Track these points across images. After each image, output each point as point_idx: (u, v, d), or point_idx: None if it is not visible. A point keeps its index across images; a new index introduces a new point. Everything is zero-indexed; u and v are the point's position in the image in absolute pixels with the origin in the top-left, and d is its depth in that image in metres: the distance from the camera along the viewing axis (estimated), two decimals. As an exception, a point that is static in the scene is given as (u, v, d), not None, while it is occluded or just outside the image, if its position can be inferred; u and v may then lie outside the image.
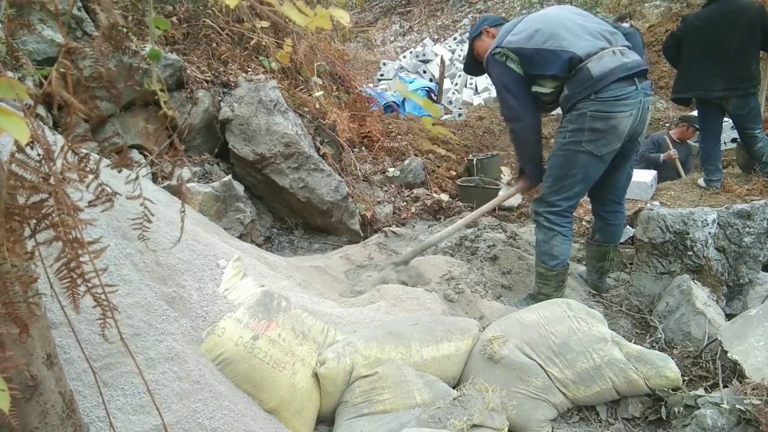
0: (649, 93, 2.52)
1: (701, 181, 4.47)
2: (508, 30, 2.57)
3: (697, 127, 5.39)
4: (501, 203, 3.42)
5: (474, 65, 2.91)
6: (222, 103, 3.58)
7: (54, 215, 0.71)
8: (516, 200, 5.12)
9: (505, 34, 2.56)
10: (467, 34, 10.37)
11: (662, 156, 5.36)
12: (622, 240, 3.54)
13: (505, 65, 2.53)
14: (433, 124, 0.89)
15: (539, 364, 2.12)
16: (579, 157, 2.50)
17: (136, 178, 0.89)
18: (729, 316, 2.66)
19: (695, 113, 6.21)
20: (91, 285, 0.79)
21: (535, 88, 2.56)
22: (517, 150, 2.86)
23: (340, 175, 3.99)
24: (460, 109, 7.60)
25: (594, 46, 2.42)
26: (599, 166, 2.55)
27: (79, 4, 3.08)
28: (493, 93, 8.31)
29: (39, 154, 0.71)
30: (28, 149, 0.73)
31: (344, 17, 0.66)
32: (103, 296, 0.80)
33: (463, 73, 8.65)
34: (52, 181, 0.71)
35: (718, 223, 2.79)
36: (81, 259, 0.76)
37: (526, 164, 2.83)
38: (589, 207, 4.33)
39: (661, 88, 8.11)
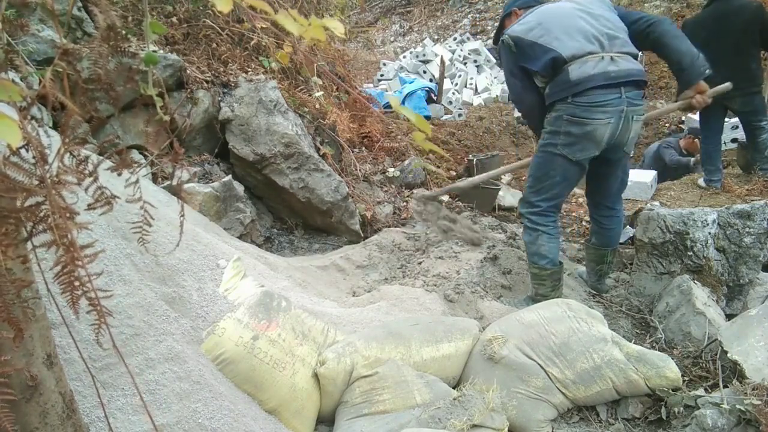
0: (637, 103, 2.47)
1: (701, 181, 4.46)
2: (522, 18, 2.61)
3: None
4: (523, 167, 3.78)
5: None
6: (222, 104, 3.58)
7: (50, 219, 0.71)
8: (516, 200, 5.11)
9: (518, 21, 2.61)
10: (467, 34, 10.38)
11: (692, 160, 5.36)
12: (622, 240, 3.54)
13: (510, 51, 2.58)
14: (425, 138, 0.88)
15: (539, 365, 2.12)
16: (556, 160, 2.54)
17: (136, 181, 0.89)
18: (729, 317, 2.66)
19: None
20: (86, 289, 0.79)
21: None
22: (529, 125, 3.06)
23: (340, 175, 3.99)
24: (460, 109, 7.60)
25: (581, 50, 2.42)
26: (576, 170, 2.57)
27: (79, 4, 3.08)
28: (493, 93, 8.32)
29: (34, 157, 0.71)
30: (23, 152, 0.73)
31: (339, 28, 0.66)
32: (97, 301, 0.80)
33: (463, 73, 8.64)
34: (47, 184, 0.71)
35: (718, 224, 2.79)
36: (77, 262, 0.76)
37: (537, 134, 2.91)
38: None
39: (661, 89, 8.11)
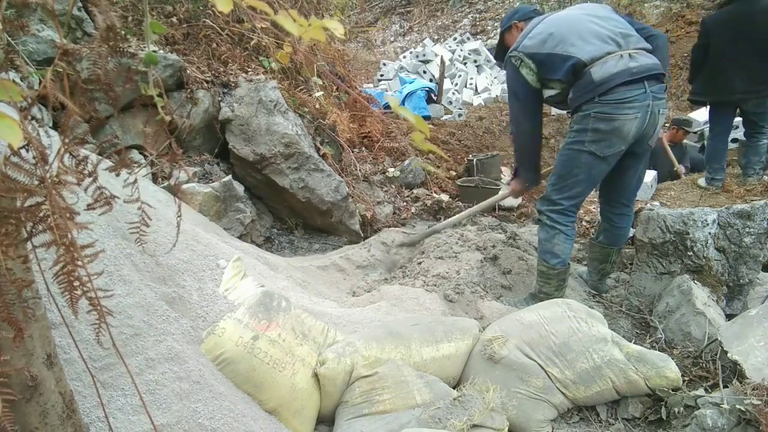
0: (660, 96, 2.50)
1: (702, 181, 4.47)
2: (528, 32, 2.60)
3: (687, 129, 5.48)
4: (498, 202, 3.81)
5: (503, 54, 2.95)
6: (222, 104, 3.58)
7: (50, 219, 0.72)
8: (516, 200, 5.12)
9: (525, 36, 2.59)
10: (467, 34, 10.38)
11: (675, 168, 5.40)
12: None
13: (517, 70, 2.57)
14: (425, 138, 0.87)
15: (539, 365, 2.12)
16: (582, 157, 2.53)
17: (135, 181, 0.89)
18: (729, 317, 2.66)
19: (690, 115, 6.25)
20: (86, 289, 0.79)
21: (545, 91, 2.62)
22: (515, 150, 2.96)
23: (340, 175, 3.99)
24: (460, 109, 7.60)
25: (600, 51, 2.43)
26: (602, 167, 2.57)
27: (79, 4, 3.08)
28: (493, 93, 8.31)
29: (35, 157, 0.72)
30: (23, 152, 0.73)
31: (338, 29, 0.66)
32: (97, 301, 0.80)
33: (463, 73, 8.64)
34: (47, 184, 0.71)
35: (718, 224, 2.79)
36: (77, 262, 0.76)
37: (519, 166, 2.92)
38: (589, 207, 4.35)
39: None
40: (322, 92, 4.35)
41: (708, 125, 6.04)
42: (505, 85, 8.54)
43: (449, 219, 3.72)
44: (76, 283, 0.78)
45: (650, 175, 4.59)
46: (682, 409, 1.96)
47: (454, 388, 2.10)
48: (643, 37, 2.57)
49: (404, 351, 2.08)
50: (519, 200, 5.11)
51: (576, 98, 2.51)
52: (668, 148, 5.36)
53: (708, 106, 4.47)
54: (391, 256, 3.51)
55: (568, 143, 2.59)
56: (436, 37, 11.19)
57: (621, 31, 2.50)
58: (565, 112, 2.74)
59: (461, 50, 9.03)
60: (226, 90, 3.64)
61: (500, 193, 3.58)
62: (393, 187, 4.68)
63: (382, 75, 8.63)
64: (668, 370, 2.05)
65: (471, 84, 8.62)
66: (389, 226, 4.10)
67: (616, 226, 2.87)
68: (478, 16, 11.76)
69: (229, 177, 3.42)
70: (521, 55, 2.54)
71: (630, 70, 2.40)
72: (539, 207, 2.75)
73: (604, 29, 2.49)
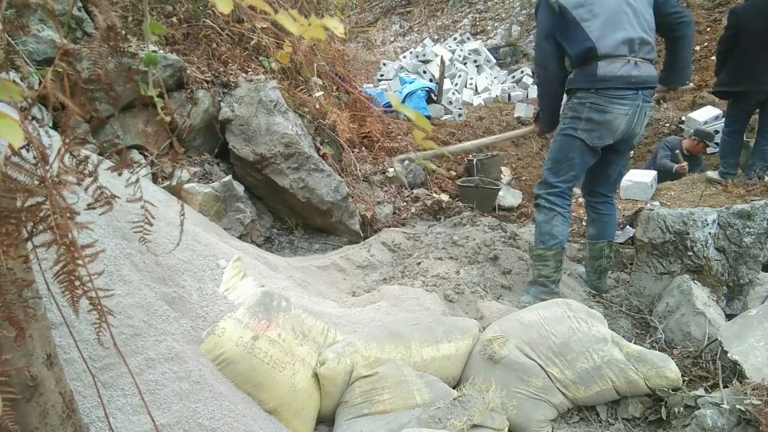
0: (649, 100, 2.66)
1: (715, 174, 4.48)
2: None
3: (708, 143, 5.47)
4: (516, 137, 4.16)
5: None
6: (222, 104, 3.58)
7: (50, 218, 0.72)
8: (516, 200, 5.12)
9: None
10: (467, 34, 10.36)
11: (675, 167, 5.39)
12: (622, 240, 3.55)
13: (553, 11, 2.60)
14: (425, 137, 0.88)
15: (539, 365, 2.12)
16: (575, 143, 2.68)
17: (137, 180, 0.89)
18: (729, 317, 2.66)
19: (690, 114, 6.22)
20: (87, 288, 0.79)
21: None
22: (538, 95, 3.02)
23: (340, 175, 3.99)
24: (460, 109, 7.60)
25: (615, 50, 2.53)
26: (591, 156, 2.73)
27: (79, 4, 3.08)
28: (493, 93, 8.31)
29: (35, 157, 0.72)
30: (24, 152, 0.73)
31: (338, 28, 0.66)
32: (98, 300, 0.80)
33: (463, 73, 8.63)
34: (47, 184, 0.71)
35: (718, 224, 2.79)
36: (78, 262, 0.76)
37: (542, 110, 2.98)
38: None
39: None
40: (322, 92, 4.35)
41: (706, 125, 6.03)
42: (504, 86, 8.54)
43: (479, 140, 3.90)
44: (77, 283, 0.78)
45: (650, 175, 4.60)
46: (682, 409, 1.96)
47: (454, 388, 2.10)
48: (674, 23, 2.64)
49: (404, 351, 2.08)
50: (519, 200, 5.12)
51: (575, 80, 2.65)
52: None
53: (728, 101, 4.45)
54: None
55: (562, 129, 2.74)
56: (436, 37, 11.19)
57: (642, 36, 2.57)
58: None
59: (461, 50, 9.03)
60: (226, 90, 3.64)
61: (522, 130, 3.68)
62: (393, 187, 4.68)
63: (382, 75, 8.62)
64: (668, 370, 2.05)
65: (471, 84, 8.62)
66: (389, 226, 4.10)
67: (601, 213, 3.00)
68: (478, 16, 11.75)
69: (229, 177, 3.42)
70: (555, 2, 2.57)
71: (630, 78, 2.55)
72: (537, 191, 2.87)
73: (632, 28, 2.54)
